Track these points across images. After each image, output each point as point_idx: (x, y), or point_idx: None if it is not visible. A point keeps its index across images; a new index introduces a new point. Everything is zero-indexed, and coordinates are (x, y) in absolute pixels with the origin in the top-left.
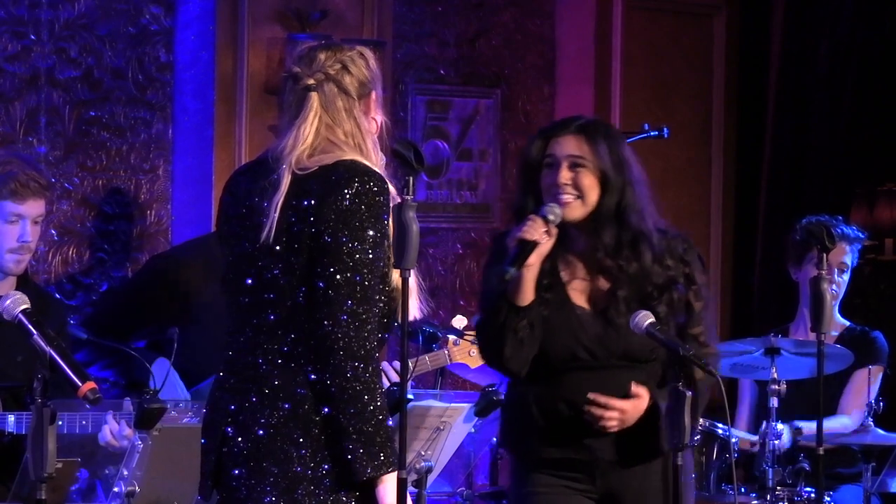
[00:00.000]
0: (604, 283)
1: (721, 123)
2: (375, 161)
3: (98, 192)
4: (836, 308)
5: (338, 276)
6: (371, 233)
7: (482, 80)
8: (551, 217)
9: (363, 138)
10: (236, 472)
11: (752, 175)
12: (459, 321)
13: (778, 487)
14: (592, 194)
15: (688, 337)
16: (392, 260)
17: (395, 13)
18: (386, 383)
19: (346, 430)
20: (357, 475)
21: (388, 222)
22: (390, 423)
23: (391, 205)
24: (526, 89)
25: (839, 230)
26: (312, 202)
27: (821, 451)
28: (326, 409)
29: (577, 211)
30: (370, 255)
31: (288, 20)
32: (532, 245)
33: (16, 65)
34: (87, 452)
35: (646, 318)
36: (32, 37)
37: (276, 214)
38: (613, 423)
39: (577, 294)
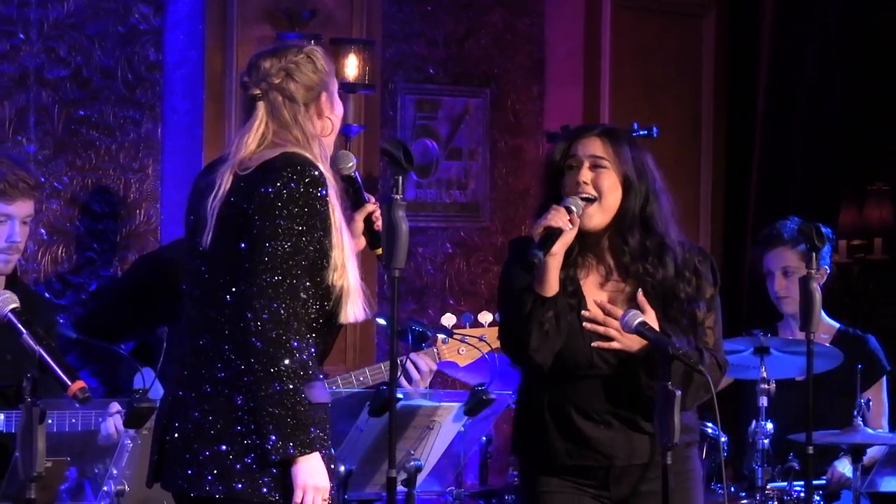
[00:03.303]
0: (621, 290)
1: (710, 123)
2: (323, 164)
3: (87, 192)
4: (781, 306)
5: (254, 262)
6: (295, 222)
7: (471, 80)
8: (573, 208)
9: (309, 143)
10: (177, 457)
11: (741, 174)
12: (448, 319)
13: (767, 486)
14: (611, 197)
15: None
16: (333, 260)
17: (384, 12)
18: (408, 379)
19: (260, 413)
20: (269, 455)
21: (321, 214)
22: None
23: (329, 197)
24: (515, 89)
25: (775, 230)
26: (246, 193)
27: (810, 450)
28: (249, 394)
29: (596, 217)
30: (290, 244)
31: (277, 19)
32: (557, 232)
33: (4, 64)
34: (76, 451)
35: (636, 317)
36: (21, 36)
37: (214, 217)
38: (613, 332)
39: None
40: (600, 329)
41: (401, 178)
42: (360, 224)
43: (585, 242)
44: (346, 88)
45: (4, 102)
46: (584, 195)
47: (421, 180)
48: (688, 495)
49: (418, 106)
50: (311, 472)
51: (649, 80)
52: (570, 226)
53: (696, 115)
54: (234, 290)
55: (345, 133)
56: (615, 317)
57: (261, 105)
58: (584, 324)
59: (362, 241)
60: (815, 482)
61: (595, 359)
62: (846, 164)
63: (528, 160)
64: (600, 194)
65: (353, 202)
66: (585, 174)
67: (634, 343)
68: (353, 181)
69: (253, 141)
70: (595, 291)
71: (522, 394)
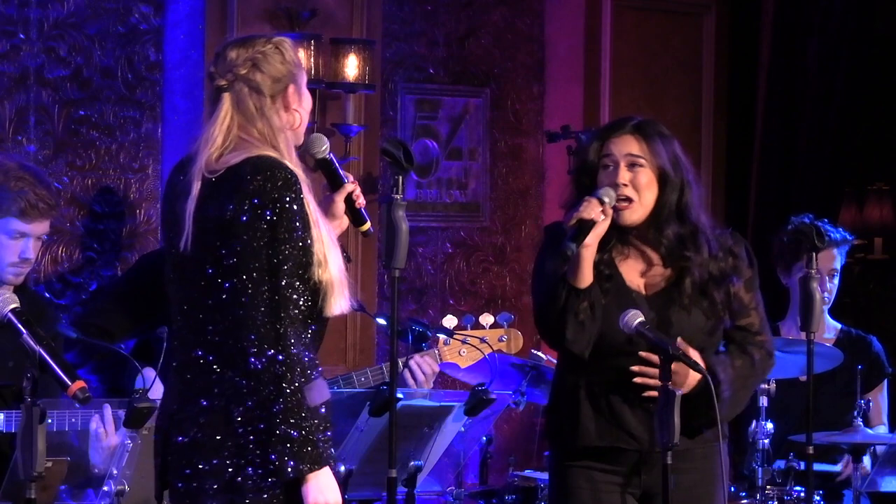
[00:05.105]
0: (663, 276)
1: (710, 122)
2: (290, 158)
3: (87, 192)
4: (826, 311)
5: (244, 275)
6: (278, 230)
7: (472, 80)
8: (606, 199)
9: (275, 137)
10: (177, 472)
11: (741, 174)
12: (449, 320)
13: (767, 486)
14: (649, 194)
15: (737, 328)
16: (315, 255)
17: (385, 12)
18: (413, 380)
19: (268, 431)
20: (280, 474)
21: (299, 214)
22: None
23: (303, 195)
24: (515, 88)
25: (828, 235)
26: (220, 203)
27: (810, 450)
28: (249, 409)
29: (634, 214)
30: (277, 253)
31: (278, 19)
32: (590, 223)
33: (5, 64)
34: (76, 452)
35: (636, 317)
36: (21, 36)
37: (191, 223)
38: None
39: (634, 283)
40: (651, 381)
41: (401, 178)
42: (340, 205)
43: (622, 233)
44: (346, 88)
45: (4, 102)
46: (623, 196)
47: (421, 180)
48: (711, 491)
49: (418, 106)
50: (323, 489)
51: (650, 79)
52: (603, 216)
53: (697, 114)
54: (218, 301)
55: (345, 133)
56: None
57: (226, 96)
58: (635, 378)
59: (345, 222)
60: (826, 467)
61: (634, 336)
62: (846, 164)
63: (528, 160)
64: (639, 193)
65: (331, 184)
66: (623, 175)
67: (686, 375)
68: (329, 163)
69: (219, 135)
70: (635, 277)
71: (558, 377)
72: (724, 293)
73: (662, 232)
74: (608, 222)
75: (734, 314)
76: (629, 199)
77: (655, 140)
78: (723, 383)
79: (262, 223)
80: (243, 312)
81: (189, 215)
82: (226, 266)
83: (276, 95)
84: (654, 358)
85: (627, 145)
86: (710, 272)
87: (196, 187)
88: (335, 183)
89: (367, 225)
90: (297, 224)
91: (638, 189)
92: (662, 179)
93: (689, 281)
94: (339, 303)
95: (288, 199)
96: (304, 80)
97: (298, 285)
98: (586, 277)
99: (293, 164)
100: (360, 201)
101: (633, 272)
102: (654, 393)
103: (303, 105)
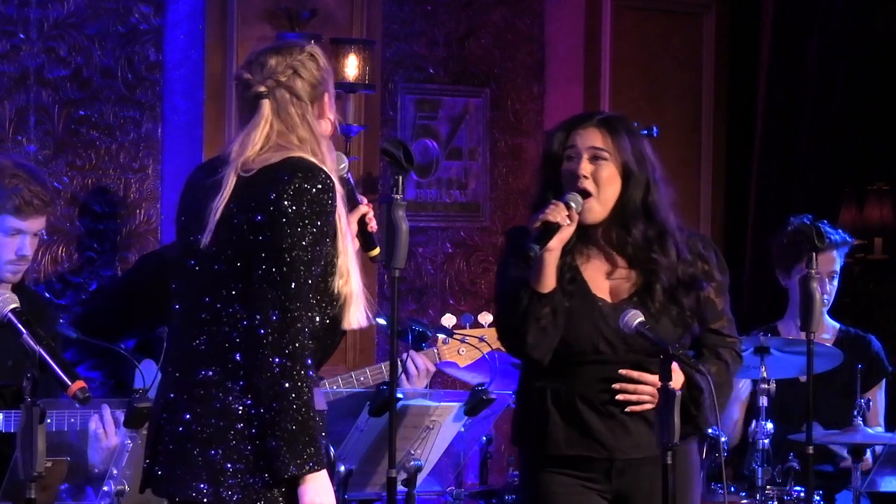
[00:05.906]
0: (627, 278)
1: (710, 122)
2: (331, 165)
3: (87, 192)
4: (826, 312)
5: (272, 272)
6: (311, 230)
7: (472, 80)
8: (572, 204)
9: (318, 143)
10: (165, 460)
11: (741, 174)
12: (448, 320)
13: (767, 486)
14: (609, 189)
15: (709, 332)
16: (338, 261)
17: (385, 12)
18: (405, 375)
19: (270, 427)
20: (278, 472)
21: (332, 221)
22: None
23: (337, 203)
24: (515, 88)
25: (827, 237)
26: (255, 198)
27: (810, 451)
28: (251, 403)
29: (594, 211)
30: (308, 254)
31: (278, 19)
32: (555, 227)
33: (5, 64)
34: (76, 452)
35: (635, 317)
36: (21, 35)
37: (216, 218)
38: (646, 398)
39: (599, 288)
40: (632, 397)
41: (401, 178)
42: (353, 226)
43: (584, 232)
44: (346, 88)
45: (4, 102)
46: (583, 188)
47: (421, 180)
48: (687, 491)
49: (418, 106)
50: (319, 491)
51: (650, 79)
52: (569, 221)
53: (697, 114)
54: (232, 295)
55: (345, 133)
56: (647, 382)
57: (266, 103)
58: (617, 396)
59: (356, 243)
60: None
61: (601, 345)
62: (846, 164)
63: (528, 160)
64: (598, 187)
65: (345, 204)
66: (585, 167)
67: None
68: (346, 182)
69: (259, 140)
70: (599, 281)
71: (524, 383)
72: (694, 299)
73: (629, 231)
74: (573, 228)
75: (705, 319)
76: (588, 194)
77: (621, 135)
78: (704, 391)
79: (297, 222)
80: (264, 306)
81: (215, 211)
82: (250, 261)
83: (314, 102)
84: (634, 374)
85: (592, 138)
86: (678, 277)
87: (228, 185)
88: (350, 203)
89: (377, 250)
90: (328, 230)
91: (598, 183)
92: (626, 175)
93: (659, 287)
94: (357, 316)
95: (323, 202)
96: (333, 88)
97: (322, 287)
98: (549, 282)
99: (331, 171)
100: (373, 225)
101: (597, 277)
102: (636, 408)
103: (333, 112)
